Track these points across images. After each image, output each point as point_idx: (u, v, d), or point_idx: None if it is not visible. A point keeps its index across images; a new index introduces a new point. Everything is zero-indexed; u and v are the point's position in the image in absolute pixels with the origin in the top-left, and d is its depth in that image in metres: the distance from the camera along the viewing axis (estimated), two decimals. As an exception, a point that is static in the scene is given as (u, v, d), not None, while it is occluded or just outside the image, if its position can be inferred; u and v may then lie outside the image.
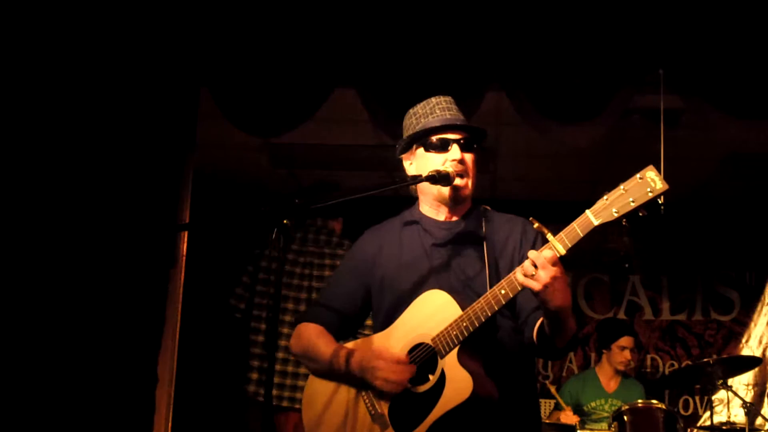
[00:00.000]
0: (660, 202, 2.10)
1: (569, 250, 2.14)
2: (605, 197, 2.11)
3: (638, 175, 2.10)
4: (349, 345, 2.58)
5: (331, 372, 2.53)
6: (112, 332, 3.92)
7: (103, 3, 4.11)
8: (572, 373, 6.76)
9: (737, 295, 7.09)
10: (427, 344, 2.38)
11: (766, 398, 6.66)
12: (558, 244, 2.14)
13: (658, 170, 2.10)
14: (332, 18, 4.11)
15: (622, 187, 2.10)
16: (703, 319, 7.11)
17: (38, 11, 4.06)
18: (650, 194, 2.07)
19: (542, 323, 2.31)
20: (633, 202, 2.07)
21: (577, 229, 2.13)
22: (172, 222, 4.11)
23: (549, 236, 2.15)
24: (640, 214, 2.10)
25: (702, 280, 7.12)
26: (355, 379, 2.47)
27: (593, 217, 2.12)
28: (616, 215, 2.09)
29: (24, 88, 4.03)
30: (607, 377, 5.93)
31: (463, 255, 2.51)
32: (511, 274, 2.24)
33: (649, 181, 2.08)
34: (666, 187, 2.08)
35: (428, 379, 2.35)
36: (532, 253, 2.15)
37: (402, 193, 2.69)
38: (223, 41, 4.15)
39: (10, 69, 4.01)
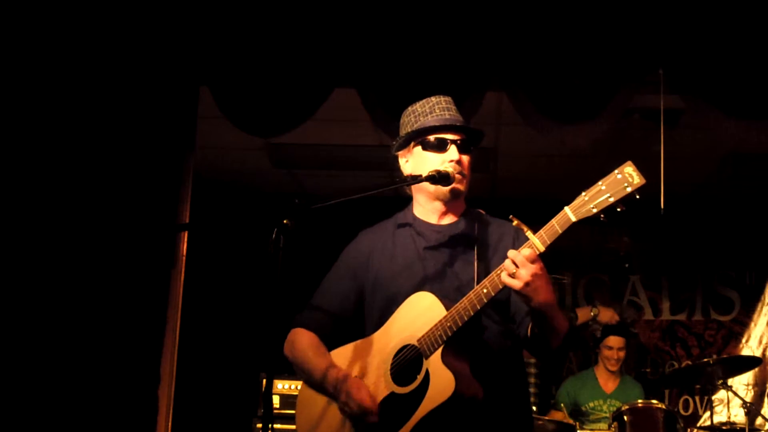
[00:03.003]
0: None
1: (548, 247, 2.18)
2: (583, 194, 2.16)
3: (616, 171, 2.14)
4: (343, 349, 2.60)
5: (322, 389, 2.56)
6: (113, 333, 3.92)
7: (102, 2, 4.11)
8: (572, 373, 6.76)
9: (737, 295, 7.09)
10: (413, 345, 2.39)
11: (766, 398, 6.67)
12: (537, 241, 2.17)
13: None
14: (332, 18, 4.11)
15: (600, 183, 2.16)
16: (703, 319, 7.11)
17: (38, 10, 4.06)
18: (628, 189, 2.11)
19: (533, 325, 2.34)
20: (611, 197, 2.12)
21: (555, 225, 2.17)
22: (172, 222, 4.11)
23: (528, 233, 2.20)
24: (618, 210, 2.14)
25: (702, 280, 7.11)
26: None
27: (571, 213, 2.16)
28: (594, 211, 2.13)
29: (23, 87, 4.03)
30: (605, 378, 5.93)
31: (455, 258, 2.52)
32: (493, 273, 2.27)
33: (627, 177, 2.12)
34: (643, 181, 2.11)
35: (414, 380, 2.37)
36: (511, 252, 2.18)
37: (402, 194, 2.70)
38: (223, 40, 4.15)
39: (9, 69, 4.01)
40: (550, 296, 2.23)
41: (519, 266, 2.16)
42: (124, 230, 3.97)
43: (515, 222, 2.23)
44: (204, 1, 4.17)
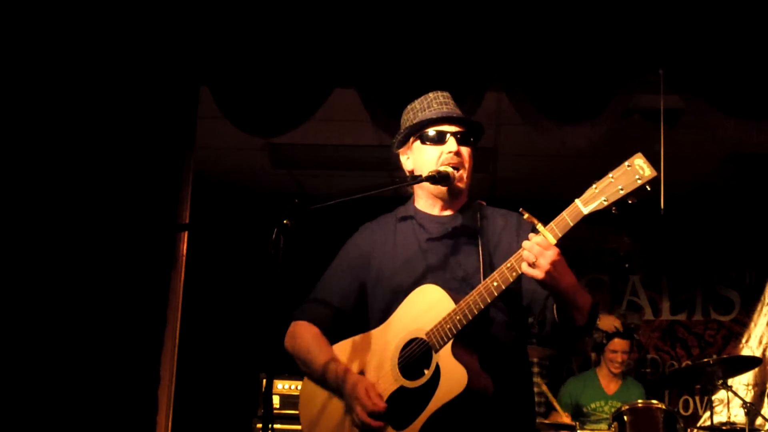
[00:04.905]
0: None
1: (560, 240, 2.15)
2: (594, 186, 2.12)
3: (626, 163, 2.10)
4: (345, 343, 2.59)
5: (323, 383, 2.54)
6: (113, 333, 3.92)
7: (103, 2, 4.11)
8: (572, 374, 6.75)
9: (737, 295, 7.09)
10: (422, 339, 2.37)
11: (766, 398, 6.66)
12: (549, 234, 2.15)
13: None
14: (332, 18, 4.11)
15: (610, 175, 2.11)
16: (703, 319, 7.11)
17: (38, 10, 4.06)
18: (639, 181, 2.07)
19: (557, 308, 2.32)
20: (622, 189, 2.08)
21: (567, 218, 2.14)
22: (172, 222, 4.11)
23: (539, 226, 2.17)
24: (630, 202, 2.10)
25: (702, 280, 7.11)
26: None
27: (582, 205, 2.12)
28: (605, 203, 2.09)
29: (23, 87, 4.04)
30: (606, 379, 5.93)
31: (457, 249, 2.51)
32: (503, 265, 2.25)
33: (638, 169, 2.08)
34: (654, 173, 2.08)
35: (423, 374, 2.35)
36: (526, 244, 2.17)
37: (402, 194, 2.70)
38: (224, 40, 4.15)
39: (9, 68, 4.01)
40: (572, 278, 2.22)
41: (537, 257, 2.14)
42: (124, 230, 3.97)
43: (526, 215, 2.20)
44: (204, 2, 4.17)
